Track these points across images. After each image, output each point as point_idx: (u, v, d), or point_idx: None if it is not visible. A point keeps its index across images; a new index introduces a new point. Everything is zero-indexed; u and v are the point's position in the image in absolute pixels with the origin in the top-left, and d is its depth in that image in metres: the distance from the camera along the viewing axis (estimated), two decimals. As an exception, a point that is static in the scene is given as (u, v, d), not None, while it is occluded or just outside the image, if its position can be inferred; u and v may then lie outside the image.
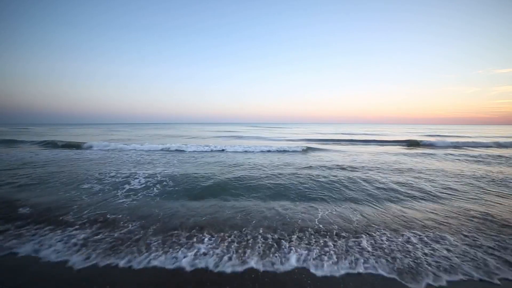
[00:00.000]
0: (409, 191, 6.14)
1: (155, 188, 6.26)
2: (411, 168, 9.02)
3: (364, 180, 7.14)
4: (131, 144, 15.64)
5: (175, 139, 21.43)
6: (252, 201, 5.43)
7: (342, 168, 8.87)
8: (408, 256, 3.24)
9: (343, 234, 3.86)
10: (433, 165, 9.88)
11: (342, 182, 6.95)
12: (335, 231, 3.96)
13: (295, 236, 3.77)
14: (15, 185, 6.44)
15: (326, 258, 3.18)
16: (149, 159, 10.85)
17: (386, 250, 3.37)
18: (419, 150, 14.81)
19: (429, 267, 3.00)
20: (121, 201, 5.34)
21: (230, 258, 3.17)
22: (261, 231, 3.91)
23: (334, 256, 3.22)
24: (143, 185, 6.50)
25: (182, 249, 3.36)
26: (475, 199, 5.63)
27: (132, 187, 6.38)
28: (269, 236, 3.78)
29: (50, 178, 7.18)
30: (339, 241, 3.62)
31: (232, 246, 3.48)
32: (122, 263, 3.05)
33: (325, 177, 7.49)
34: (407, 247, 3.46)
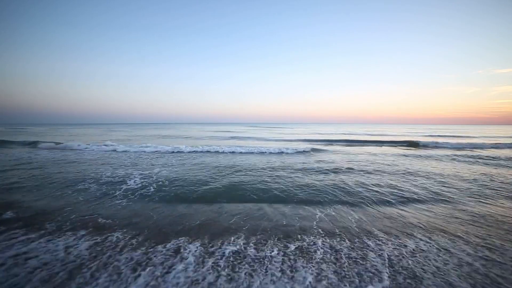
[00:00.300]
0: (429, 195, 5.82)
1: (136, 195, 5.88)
2: (411, 170, 8.73)
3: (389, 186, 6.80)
4: (119, 144, 15.20)
5: (168, 140, 20.99)
6: (252, 203, 5.08)
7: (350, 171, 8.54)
8: None
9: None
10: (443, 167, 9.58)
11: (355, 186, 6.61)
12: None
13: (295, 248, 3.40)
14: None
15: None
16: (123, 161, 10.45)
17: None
18: (416, 152, 14.53)
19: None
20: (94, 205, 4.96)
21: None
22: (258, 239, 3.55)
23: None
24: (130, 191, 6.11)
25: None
26: None
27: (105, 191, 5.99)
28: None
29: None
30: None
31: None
32: None
33: (333, 180, 7.15)
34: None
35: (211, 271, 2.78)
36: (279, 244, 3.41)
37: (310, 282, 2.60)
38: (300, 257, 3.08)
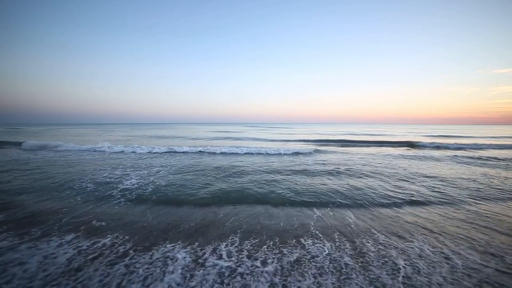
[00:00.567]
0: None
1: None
2: (411, 171, 8.65)
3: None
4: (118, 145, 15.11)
5: (168, 140, 20.91)
6: (251, 205, 5.01)
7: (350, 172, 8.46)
8: None
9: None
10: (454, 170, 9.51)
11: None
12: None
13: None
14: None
15: None
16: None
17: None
18: (416, 152, 14.45)
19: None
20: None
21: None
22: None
23: None
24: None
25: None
26: None
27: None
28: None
29: None
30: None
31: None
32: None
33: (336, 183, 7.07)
34: None
35: (202, 279, 2.64)
36: (274, 249, 3.34)
37: None
38: (296, 265, 3.01)
